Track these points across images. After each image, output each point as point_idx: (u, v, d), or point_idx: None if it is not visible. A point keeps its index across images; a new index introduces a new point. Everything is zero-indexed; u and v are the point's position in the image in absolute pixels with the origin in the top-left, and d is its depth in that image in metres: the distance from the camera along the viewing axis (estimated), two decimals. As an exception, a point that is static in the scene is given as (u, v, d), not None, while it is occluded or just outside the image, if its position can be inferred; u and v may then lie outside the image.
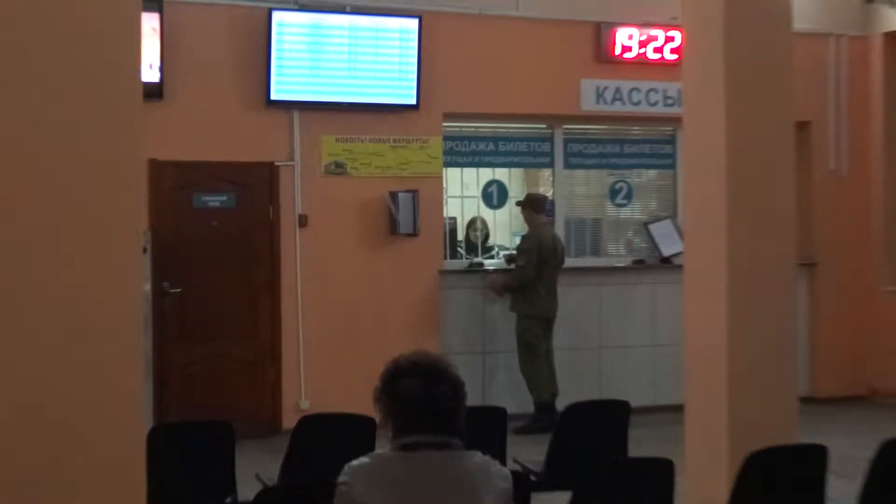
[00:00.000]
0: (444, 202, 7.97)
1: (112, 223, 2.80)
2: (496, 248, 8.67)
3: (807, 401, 7.45)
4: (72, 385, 2.77)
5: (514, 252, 7.51)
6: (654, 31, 8.08)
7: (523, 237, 7.45)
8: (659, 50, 8.15)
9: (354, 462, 2.50)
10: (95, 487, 2.78)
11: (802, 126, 8.08)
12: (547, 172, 8.60)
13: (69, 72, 2.72)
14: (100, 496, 2.79)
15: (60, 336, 2.73)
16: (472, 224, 8.38)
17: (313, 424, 4.67)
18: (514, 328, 7.53)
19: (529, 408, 7.32)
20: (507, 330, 7.62)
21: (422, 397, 2.49)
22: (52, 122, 2.71)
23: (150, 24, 6.22)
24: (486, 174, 8.32)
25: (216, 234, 7.15)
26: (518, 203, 7.59)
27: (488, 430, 4.43)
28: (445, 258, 7.88)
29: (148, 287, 6.17)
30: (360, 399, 3.55)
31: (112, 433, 2.81)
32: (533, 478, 4.41)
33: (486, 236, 8.57)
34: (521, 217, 7.89)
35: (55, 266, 2.72)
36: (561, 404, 5.17)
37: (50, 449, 2.72)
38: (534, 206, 7.44)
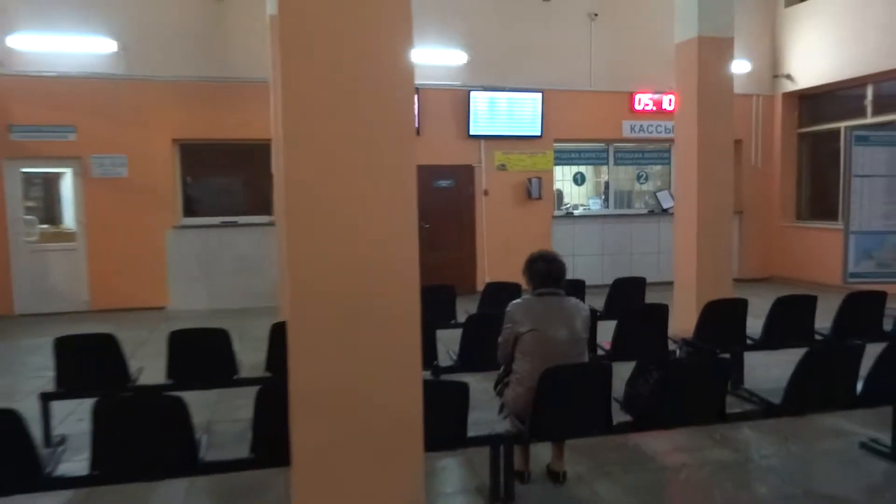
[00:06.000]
0: (553, 182, 10.76)
1: (399, 205, 3.09)
2: (577, 205, 11.15)
3: (737, 280, 8.93)
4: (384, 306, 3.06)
5: None
6: (660, 96, 10.56)
7: None
8: (658, 104, 10.57)
9: (515, 300, 3.29)
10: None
11: (738, 142, 10.42)
12: (604, 168, 11.24)
13: (379, 119, 3.07)
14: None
15: (368, 277, 3.03)
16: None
17: (492, 287, 5.78)
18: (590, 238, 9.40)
19: (600, 278, 9.38)
20: (584, 240, 10.20)
21: (546, 270, 3.27)
22: (368, 146, 3.05)
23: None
24: (574, 168, 11.18)
25: (443, 200, 10.09)
26: None
27: (576, 292, 5.11)
28: (554, 210, 10.69)
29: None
30: (514, 275, 4.51)
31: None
32: (598, 312, 5.10)
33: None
34: (591, 186, 9.90)
35: (364, 236, 3.04)
36: (610, 278, 6.27)
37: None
38: None
